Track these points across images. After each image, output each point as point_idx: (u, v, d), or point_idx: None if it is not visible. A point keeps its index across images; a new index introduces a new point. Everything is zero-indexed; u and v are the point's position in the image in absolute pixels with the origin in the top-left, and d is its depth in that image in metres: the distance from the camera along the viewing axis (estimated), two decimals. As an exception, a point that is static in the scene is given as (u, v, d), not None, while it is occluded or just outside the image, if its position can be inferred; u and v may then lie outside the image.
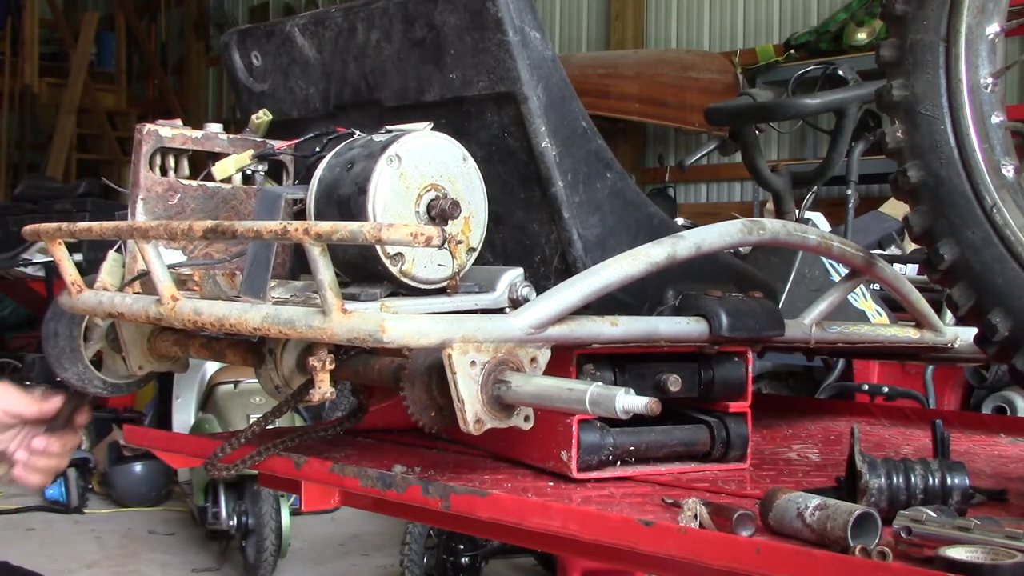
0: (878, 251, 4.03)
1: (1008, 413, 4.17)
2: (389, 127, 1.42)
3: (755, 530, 1.20)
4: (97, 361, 1.70)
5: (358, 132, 1.46)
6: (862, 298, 2.10)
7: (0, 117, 12.42)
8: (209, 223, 1.29)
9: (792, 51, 6.99)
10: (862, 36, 6.53)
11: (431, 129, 1.39)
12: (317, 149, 1.51)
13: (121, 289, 1.52)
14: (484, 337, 1.25)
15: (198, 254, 1.56)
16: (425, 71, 1.49)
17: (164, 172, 1.56)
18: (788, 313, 1.65)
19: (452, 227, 1.36)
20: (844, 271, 1.92)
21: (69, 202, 7.42)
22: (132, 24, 13.20)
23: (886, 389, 3.94)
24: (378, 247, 1.30)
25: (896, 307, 2.02)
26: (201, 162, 1.59)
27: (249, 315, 1.26)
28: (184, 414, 5.56)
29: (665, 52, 7.75)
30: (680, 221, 2.06)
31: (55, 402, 1.61)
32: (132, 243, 1.50)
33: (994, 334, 1.35)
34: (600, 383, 1.19)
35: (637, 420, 1.25)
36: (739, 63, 7.22)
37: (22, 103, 12.53)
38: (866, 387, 4.03)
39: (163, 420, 5.69)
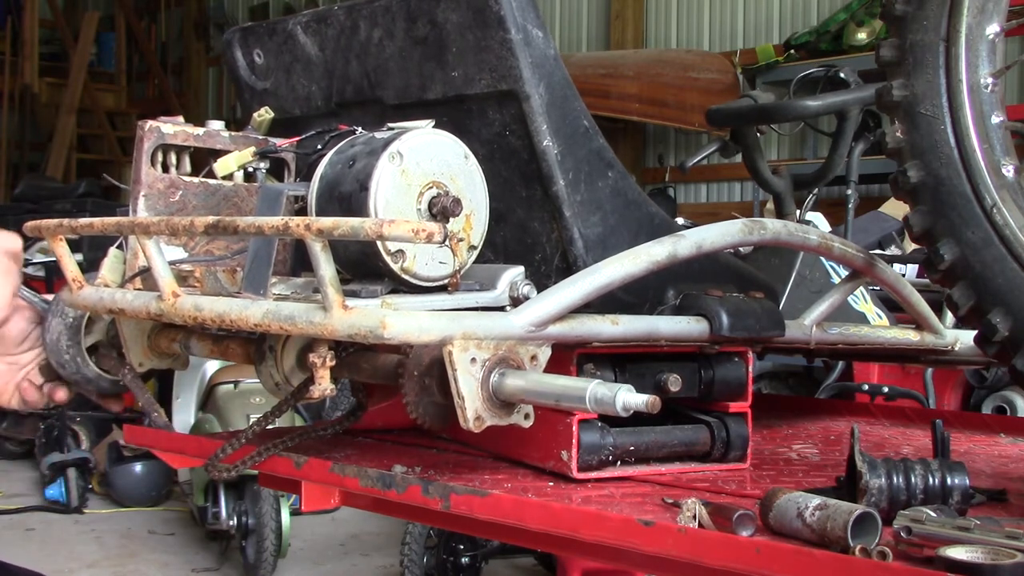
0: (878, 251, 4.03)
1: (1008, 413, 4.16)
2: (391, 124, 1.42)
3: (755, 530, 1.20)
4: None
5: (360, 129, 1.46)
6: (862, 300, 2.10)
7: (0, 117, 12.42)
8: (211, 219, 1.29)
9: (792, 51, 7.00)
10: (862, 36, 6.54)
11: (433, 127, 1.39)
12: (319, 146, 1.51)
13: (122, 285, 1.53)
14: (485, 334, 1.25)
15: (199, 251, 1.56)
16: (427, 69, 1.49)
17: (166, 169, 1.56)
18: (788, 314, 1.65)
19: (453, 225, 1.36)
20: (844, 273, 1.92)
21: (69, 202, 7.43)
22: (132, 24, 13.21)
23: (886, 389, 3.94)
24: (379, 244, 1.30)
25: (896, 308, 2.03)
26: (203, 160, 1.59)
27: (250, 311, 1.26)
28: (184, 414, 5.57)
29: (665, 52, 7.75)
30: (680, 221, 2.06)
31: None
32: (133, 239, 1.50)
33: (994, 334, 1.35)
34: (601, 381, 1.19)
35: (637, 420, 1.25)
36: (739, 63, 7.23)
37: (22, 103, 12.55)
38: (866, 387, 4.04)
39: (163, 420, 5.68)
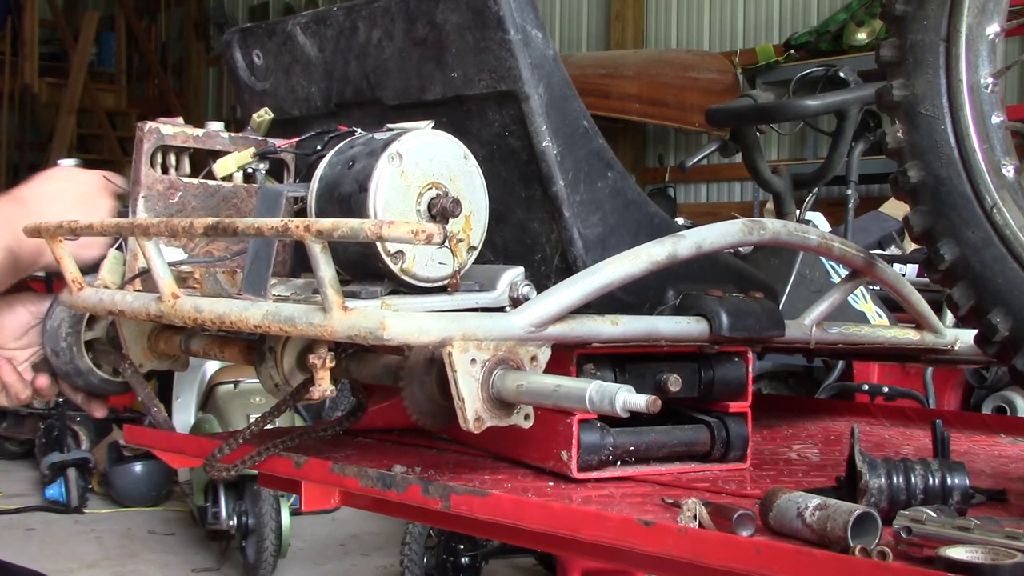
0: (878, 251, 4.03)
1: (1008, 413, 4.17)
2: (390, 125, 1.42)
3: (755, 530, 1.20)
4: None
5: (359, 130, 1.46)
6: (862, 300, 2.10)
7: (0, 117, 12.42)
8: (210, 220, 1.29)
9: (792, 51, 7.00)
10: (862, 36, 6.54)
11: (432, 127, 1.39)
12: (318, 147, 1.51)
13: (122, 287, 1.53)
14: (484, 335, 1.25)
15: (199, 252, 1.56)
16: (426, 70, 1.49)
17: (165, 170, 1.56)
18: (788, 314, 1.65)
19: (453, 225, 1.36)
20: (844, 272, 1.92)
21: (69, 202, 7.41)
22: (132, 24, 13.22)
23: (886, 389, 3.95)
24: (379, 245, 1.30)
25: (896, 308, 2.03)
26: (202, 161, 1.59)
27: (249, 312, 1.26)
28: (184, 414, 5.58)
29: (665, 52, 7.76)
30: (680, 221, 2.06)
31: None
32: (133, 241, 1.50)
33: (994, 334, 1.35)
34: (600, 381, 1.19)
35: (637, 420, 1.25)
36: (739, 63, 7.23)
37: (22, 103, 12.55)
38: (866, 387, 4.04)
39: (163, 420, 5.68)
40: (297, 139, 1.57)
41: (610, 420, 1.37)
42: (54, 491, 6.13)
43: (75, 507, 6.06)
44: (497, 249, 1.51)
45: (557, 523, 1.28)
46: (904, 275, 1.91)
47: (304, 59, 1.66)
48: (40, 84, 12.48)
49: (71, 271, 1.52)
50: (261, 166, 1.58)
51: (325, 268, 1.19)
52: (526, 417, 1.30)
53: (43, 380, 1.72)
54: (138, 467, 6.07)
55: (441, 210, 1.33)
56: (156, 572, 5.07)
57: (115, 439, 6.15)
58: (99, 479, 6.35)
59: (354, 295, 1.29)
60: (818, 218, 3.01)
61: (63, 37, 12.96)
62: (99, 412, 1.81)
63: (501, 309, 1.37)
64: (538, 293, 1.36)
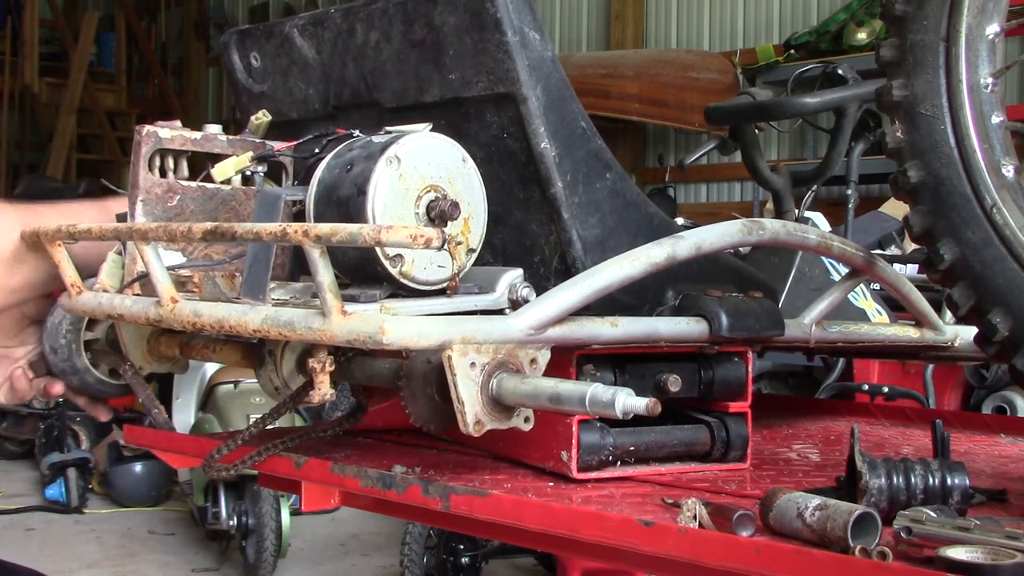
0: (878, 251, 4.03)
1: (1008, 413, 4.17)
2: (388, 128, 1.41)
3: (755, 530, 1.20)
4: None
5: (357, 133, 1.46)
6: (862, 297, 2.10)
7: (0, 117, 12.42)
8: (209, 225, 1.29)
9: (792, 51, 7.01)
10: (862, 36, 6.55)
11: (430, 130, 1.39)
12: (316, 150, 1.51)
13: (121, 291, 1.52)
14: (484, 338, 1.25)
15: (197, 255, 1.56)
16: (424, 72, 1.49)
17: (163, 173, 1.56)
18: (788, 313, 1.65)
19: (452, 228, 1.35)
20: (844, 271, 1.92)
21: (69, 202, 7.42)
22: (132, 24, 13.21)
23: (886, 389, 3.95)
24: (377, 249, 1.29)
25: (896, 306, 2.02)
26: (200, 163, 1.58)
27: (249, 317, 1.26)
28: (184, 414, 5.58)
29: (665, 52, 7.76)
30: (680, 221, 2.06)
31: None
32: (132, 245, 1.50)
33: (994, 334, 1.35)
34: (600, 384, 1.19)
35: (637, 420, 1.25)
36: (739, 63, 7.24)
37: (22, 103, 12.55)
38: (866, 387, 4.04)
39: (163, 420, 5.68)
40: (295, 142, 1.57)
41: (610, 420, 1.37)
42: (54, 491, 6.13)
43: (75, 507, 6.06)
44: (496, 251, 1.51)
45: (557, 523, 1.28)
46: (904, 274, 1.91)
47: (302, 61, 1.66)
48: (40, 84, 12.48)
49: (70, 275, 1.52)
50: (259, 169, 1.58)
51: (324, 272, 1.18)
52: (526, 420, 1.30)
53: (57, 387, 1.72)
54: (138, 467, 6.07)
55: (440, 213, 1.32)
56: (156, 572, 5.07)
57: (115, 439, 6.15)
58: (99, 479, 6.35)
59: (353, 299, 1.29)
60: (818, 218, 3.01)
61: (63, 37, 12.95)
62: (103, 416, 1.81)
63: (500, 311, 1.37)
64: (537, 295, 1.36)
